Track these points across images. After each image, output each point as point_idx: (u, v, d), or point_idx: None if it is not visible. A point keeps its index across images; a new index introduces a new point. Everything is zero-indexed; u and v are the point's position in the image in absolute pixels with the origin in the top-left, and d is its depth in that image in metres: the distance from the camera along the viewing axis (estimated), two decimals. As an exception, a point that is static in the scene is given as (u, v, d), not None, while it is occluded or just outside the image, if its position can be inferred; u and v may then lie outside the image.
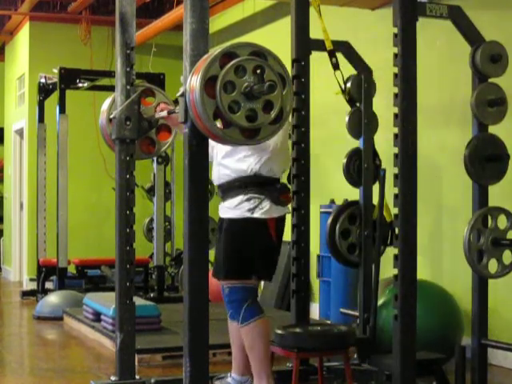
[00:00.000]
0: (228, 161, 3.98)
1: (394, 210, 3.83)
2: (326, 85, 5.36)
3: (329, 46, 4.95)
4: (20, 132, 10.86)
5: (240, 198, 3.91)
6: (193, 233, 3.10)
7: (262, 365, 3.93)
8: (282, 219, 4.00)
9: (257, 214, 3.88)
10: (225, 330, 4.19)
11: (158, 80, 7.94)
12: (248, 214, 3.87)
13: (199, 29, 3.10)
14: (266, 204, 3.89)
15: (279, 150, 3.99)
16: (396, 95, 3.81)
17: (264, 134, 3.10)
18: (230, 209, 3.95)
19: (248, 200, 3.89)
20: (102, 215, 9.83)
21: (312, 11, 4.79)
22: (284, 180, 4.10)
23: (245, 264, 3.93)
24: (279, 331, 4.00)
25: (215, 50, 3.04)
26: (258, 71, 3.04)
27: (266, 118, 3.07)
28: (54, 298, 7.56)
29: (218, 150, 4.04)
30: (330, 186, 7.01)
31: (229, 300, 3.98)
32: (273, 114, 3.08)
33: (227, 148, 3.93)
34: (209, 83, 2.97)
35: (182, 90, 3.07)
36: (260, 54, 3.09)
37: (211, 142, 3.26)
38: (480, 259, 4.09)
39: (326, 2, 6.07)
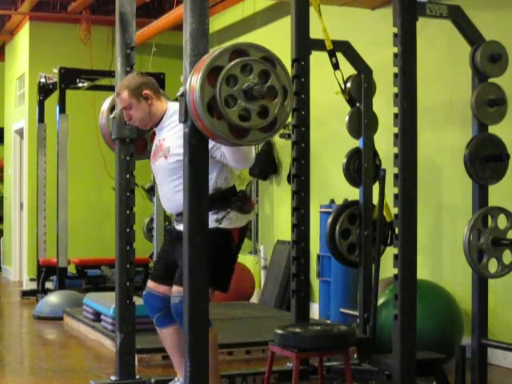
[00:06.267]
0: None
1: (394, 210, 3.83)
2: (326, 85, 5.37)
3: (329, 45, 4.96)
4: (20, 132, 10.85)
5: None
6: (192, 233, 3.10)
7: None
8: (245, 228, 3.90)
9: (223, 225, 3.77)
10: (224, 329, 4.20)
11: (158, 80, 7.88)
12: (216, 225, 3.74)
13: (199, 29, 3.09)
14: (233, 215, 3.80)
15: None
16: (396, 95, 3.80)
17: (252, 138, 3.06)
18: None
19: (215, 213, 3.76)
20: (102, 215, 9.83)
21: (312, 11, 4.80)
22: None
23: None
24: (279, 331, 4.00)
25: (227, 45, 3.03)
26: (264, 76, 3.02)
27: (257, 123, 3.03)
28: (53, 298, 7.56)
29: (163, 175, 3.86)
30: (330, 186, 7.01)
31: (179, 310, 3.61)
32: (266, 120, 3.04)
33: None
34: (212, 74, 2.95)
35: (181, 89, 3.07)
36: (270, 60, 3.07)
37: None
38: (480, 259, 4.09)
39: (326, 1, 6.07)
